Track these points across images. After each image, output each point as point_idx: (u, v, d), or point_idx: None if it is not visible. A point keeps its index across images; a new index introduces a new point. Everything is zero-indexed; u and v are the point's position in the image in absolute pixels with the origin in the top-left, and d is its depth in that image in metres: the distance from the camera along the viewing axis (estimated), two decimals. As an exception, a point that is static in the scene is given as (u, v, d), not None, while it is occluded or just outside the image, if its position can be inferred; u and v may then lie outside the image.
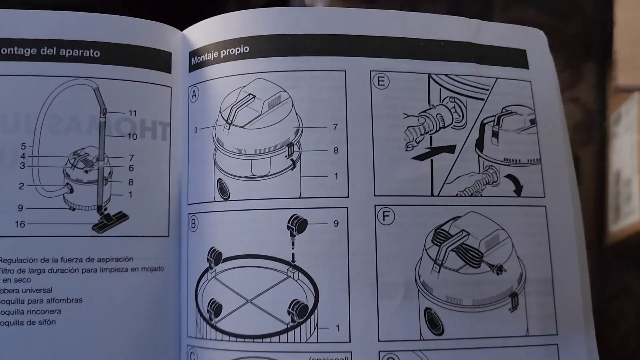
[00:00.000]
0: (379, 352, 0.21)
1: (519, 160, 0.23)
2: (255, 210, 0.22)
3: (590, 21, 0.59)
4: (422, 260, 0.22)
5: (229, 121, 0.23)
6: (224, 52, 0.23)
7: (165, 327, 0.23)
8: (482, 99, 0.24)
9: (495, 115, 0.24)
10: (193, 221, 0.23)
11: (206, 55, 0.24)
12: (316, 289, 0.21)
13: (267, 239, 0.22)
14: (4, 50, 0.22)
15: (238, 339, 0.21)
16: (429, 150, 0.23)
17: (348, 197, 0.22)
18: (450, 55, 0.24)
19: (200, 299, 0.22)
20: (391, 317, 0.21)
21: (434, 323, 0.21)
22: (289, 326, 0.21)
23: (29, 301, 0.21)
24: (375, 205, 0.22)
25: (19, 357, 0.21)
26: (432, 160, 0.23)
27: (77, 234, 0.22)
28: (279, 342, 0.21)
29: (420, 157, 0.23)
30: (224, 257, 0.22)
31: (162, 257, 0.23)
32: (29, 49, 0.22)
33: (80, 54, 0.23)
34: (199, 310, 0.22)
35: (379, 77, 0.23)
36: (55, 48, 0.23)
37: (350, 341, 0.21)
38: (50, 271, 0.21)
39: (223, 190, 0.22)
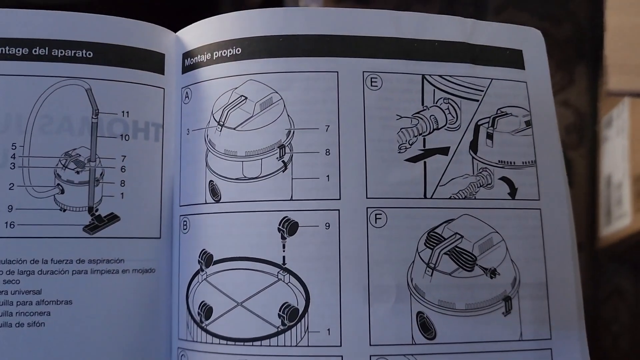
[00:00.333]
0: (371, 356, 0.20)
1: (514, 163, 0.23)
2: (246, 212, 0.21)
3: (581, 25, 0.58)
4: (414, 264, 0.21)
5: (221, 123, 0.22)
6: (216, 54, 0.23)
7: (156, 330, 0.22)
8: (477, 100, 0.23)
9: (490, 117, 0.23)
10: (185, 223, 0.22)
11: (199, 56, 0.23)
12: (307, 292, 0.21)
13: (258, 242, 0.21)
14: (-5, 51, 0.22)
15: (228, 342, 0.21)
16: (422, 152, 0.22)
17: (340, 199, 0.21)
18: (445, 55, 0.23)
19: (191, 301, 0.22)
20: (383, 321, 0.20)
21: (426, 327, 0.21)
22: (279, 330, 0.20)
23: (18, 303, 0.21)
24: (367, 208, 0.21)
25: (8, 359, 0.20)
26: (425, 162, 0.22)
27: (67, 235, 0.21)
28: (269, 345, 0.20)
29: (414, 159, 0.22)
30: (214, 259, 0.21)
31: (154, 258, 0.22)
32: (20, 49, 0.22)
33: (72, 54, 0.22)
34: (190, 313, 0.22)
35: (371, 78, 0.22)
36: (47, 48, 0.22)
37: (341, 345, 0.20)
38: (39, 272, 0.21)
39: (214, 192, 0.22)
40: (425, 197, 0.22)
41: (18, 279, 0.21)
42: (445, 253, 0.21)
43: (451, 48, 0.24)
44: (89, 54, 0.23)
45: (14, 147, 0.22)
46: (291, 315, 0.21)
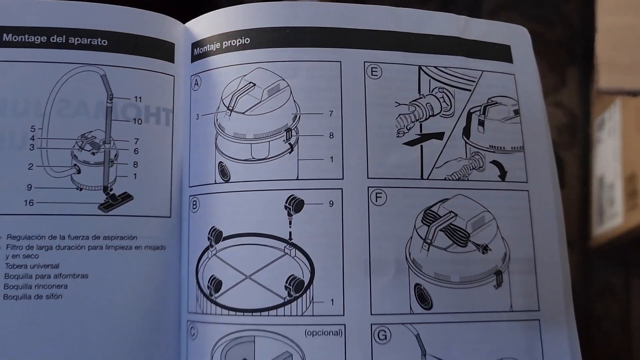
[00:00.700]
0: (372, 324, 0.23)
1: (503, 148, 0.26)
2: (255, 191, 0.24)
3: (574, 28, 0.62)
4: (412, 239, 0.24)
5: (230, 108, 0.25)
6: (225, 43, 0.26)
7: (166, 304, 0.24)
8: (469, 90, 0.26)
9: (481, 105, 0.26)
10: (194, 202, 0.25)
11: (208, 46, 0.26)
12: (312, 265, 0.23)
13: (265, 218, 0.24)
14: (15, 38, 0.24)
15: (237, 313, 0.23)
16: (419, 136, 0.25)
17: (343, 179, 0.24)
18: (440, 48, 0.26)
19: (200, 275, 0.24)
20: (383, 292, 0.23)
21: (423, 298, 0.23)
22: (285, 300, 0.23)
23: (37, 276, 0.23)
24: (368, 187, 0.24)
25: (27, 330, 0.23)
26: (422, 146, 0.25)
27: (83, 212, 0.24)
28: (276, 315, 0.23)
29: (411, 143, 0.25)
30: (224, 235, 0.24)
31: (164, 236, 0.25)
32: (39, 37, 0.24)
33: (88, 42, 0.25)
34: (200, 287, 0.24)
35: (372, 68, 0.25)
36: (64, 36, 0.25)
37: (344, 314, 0.23)
38: (57, 248, 0.23)
39: (224, 173, 0.25)
40: (422, 178, 0.25)
41: (37, 253, 0.23)
42: (440, 230, 0.24)
43: (445, 42, 0.27)
44: (104, 42, 0.25)
45: (33, 130, 0.24)
46: (297, 287, 0.23)
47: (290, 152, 0.24)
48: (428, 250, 0.24)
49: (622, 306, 0.52)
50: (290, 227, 0.24)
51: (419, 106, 0.25)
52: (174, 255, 0.25)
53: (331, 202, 0.24)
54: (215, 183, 0.25)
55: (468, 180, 0.25)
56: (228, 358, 0.23)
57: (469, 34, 0.27)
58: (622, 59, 0.52)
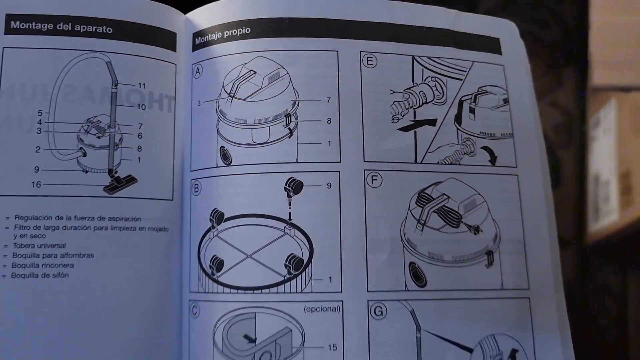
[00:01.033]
0: (368, 301, 0.25)
1: (494, 134, 0.28)
2: (256, 174, 0.26)
3: (569, 28, 0.66)
4: (407, 220, 0.26)
5: (232, 94, 0.27)
6: (227, 33, 0.28)
7: (169, 284, 0.26)
8: (460, 79, 0.29)
9: (472, 94, 0.29)
10: (196, 186, 0.27)
11: (210, 35, 0.28)
12: (311, 244, 0.26)
13: (266, 200, 0.26)
14: (23, 25, 0.26)
15: (238, 291, 0.25)
16: (412, 122, 0.28)
17: (340, 162, 0.26)
18: (432, 40, 0.29)
19: (202, 256, 0.26)
20: (379, 270, 0.25)
21: (417, 276, 0.26)
22: (285, 278, 0.25)
23: (44, 255, 0.25)
24: (364, 170, 0.26)
25: (34, 307, 0.24)
26: (415, 132, 0.27)
27: (89, 194, 0.26)
28: (277, 292, 0.25)
29: (405, 129, 0.27)
30: (225, 217, 0.26)
31: (167, 218, 0.27)
32: (46, 24, 0.27)
33: (93, 30, 0.27)
34: (201, 267, 0.26)
35: (367, 58, 0.28)
36: (70, 24, 0.27)
37: (341, 291, 0.25)
38: (64, 228, 0.25)
39: (225, 157, 0.27)
40: (415, 162, 0.27)
41: (44, 233, 0.25)
42: (434, 211, 0.27)
43: (437, 33, 0.29)
44: (109, 30, 0.27)
45: (40, 114, 0.26)
46: (296, 265, 0.26)
47: (289, 137, 0.27)
48: (422, 230, 0.26)
49: (619, 303, 0.54)
50: (289, 208, 0.26)
51: (412, 94, 0.28)
52: (176, 236, 0.27)
53: (329, 184, 0.26)
54: (217, 166, 0.27)
55: (460, 164, 0.27)
56: (230, 335, 0.25)
57: (459, 26, 0.30)
58: (615, 56, 0.56)
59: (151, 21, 0.28)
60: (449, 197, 0.27)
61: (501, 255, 0.26)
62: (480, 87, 0.29)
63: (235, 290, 0.25)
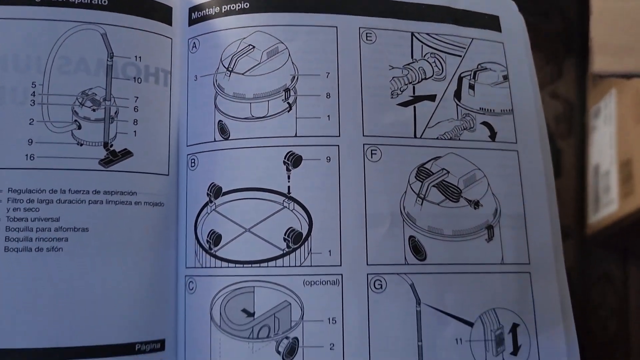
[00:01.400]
0: (367, 274, 0.26)
1: (493, 110, 0.29)
2: (254, 147, 0.27)
3: (570, 20, 0.68)
4: (406, 194, 0.27)
5: (230, 69, 0.28)
6: (225, 8, 0.29)
7: (165, 259, 0.27)
8: (460, 56, 0.30)
9: (471, 70, 0.30)
10: (193, 161, 0.28)
11: (207, 10, 0.29)
12: (310, 218, 0.27)
13: (264, 174, 0.27)
14: (16, -4, 0.27)
15: (237, 265, 0.26)
16: (412, 98, 0.29)
17: (339, 136, 0.27)
18: (431, 16, 0.30)
19: (199, 231, 0.27)
20: (378, 243, 0.26)
21: (417, 249, 0.27)
22: (284, 252, 0.26)
23: (37, 229, 0.26)
24: (364, 144, 0.27)
25: (28, 281, 0.25)
26: (414, 107, 0.29)
27: (84, 167, 0.26)
28: (275, 266, 0.26)
29: (404, 104, 0.29)
30: (223, 191, 0.27)
31: (162, 193, 0.28)
32: (40, -4, 0.27)
33: (88, 1, 0.28)
34: (198, 241, 0.27)
35: (367, 34, 0.29)
36: (65, -4, 0.28)
37: (341, 265, 0.26)
38: (58, 202, 0.26)
39: (223, 131, 0.28)
40: (415, 137, 0.28)
41: (38, 207, 0.26)
42: (433, 185, 0.28)
43: (436, 10, 0.31)
44: (104, 2, 0.28)
45: (33, 86, 0.27)
46: (295, 239, 0.27)
47: (288, 111, 0.28)
48: (422, 204, 0.27)
49: (619, 293, 0.56)
50: (288, 181, 0.27)
51: (412, 70, 0.29)
52: (171, 212, 0.28)
53: (328, 158, 0.27)
54: (215, 141, 0.28)
55: (459, 140, 0.29)
56: (228, 309, 0.26)
57: (459, 3, 0.31)
58: (616, 42, 0.58)
59: (147, -6, 0.29)
60: (448, 172, 0.28)
61: (501, 229, 0.28)
62: (479, 64, 0.30)
63: (233, 265, 0.26)
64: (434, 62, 0.29)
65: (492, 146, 0.29)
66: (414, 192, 0.27)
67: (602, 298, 0.56)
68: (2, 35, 0.27)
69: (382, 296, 0.26)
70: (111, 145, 0.27)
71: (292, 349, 0.25)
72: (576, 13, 0.71)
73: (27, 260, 0.25)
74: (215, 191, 0.27)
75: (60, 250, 0.26)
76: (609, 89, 0.65)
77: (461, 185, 0.28)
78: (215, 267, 0.26)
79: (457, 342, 0.26)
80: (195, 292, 0.27)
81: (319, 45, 0.28)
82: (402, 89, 0.28)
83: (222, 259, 0.26)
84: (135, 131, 0.27)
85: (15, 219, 0.25)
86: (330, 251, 0.26)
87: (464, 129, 0.29)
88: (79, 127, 0.27)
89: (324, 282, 0.26)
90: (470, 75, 0.29)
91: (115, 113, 0.27)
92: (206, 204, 0.27)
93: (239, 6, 0.28)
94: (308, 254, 0.26)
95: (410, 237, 0.27)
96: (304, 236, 0.26)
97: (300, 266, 0.26)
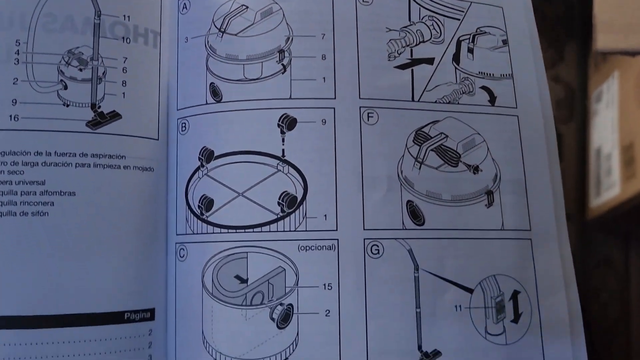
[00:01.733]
0: (364, 239, 0.26)
1: (493, 75, 0.30)
2: (248, 110, 0.27)
3: (571, 2, 0.68)
4: (404, 158, 0.27)
5: (222, 30, 0.28)
6: (215, -34, 0.29)
7: (154, 226, 0.27)
8: (458, 19, 0.30)
9: (470, 34, 0.30)
10: (183, 125, 0.28)
11: (197, -31, 0.29)
12: (305, 181, 0.27)
13: (258, 137, 0.27)
14: (-1, -47, 0.27)
15: (229, 230, 0.26)
16: (409, 61, 0.29)
17: (335, 98, 0.28)
18: (429, -22, 0.30)
19: (190, 196, 0.27)
20: (375, 208, 0.27)
21: (415, 214, 0.27)
22: (278, 216, 0.26)
23: (22, 193, 0.25)
24: (360, 107, 0.28)
25: (12, 246, 0.25)
26: (412, 70, 0.29)
27: (70, 129, 0.26)
28: (269, 231, 0.26)
29: (402, 67, 0.29)
30: (215, 154, 0.27)
31: (152, 158, 0.27)
32: (24, -47, 0.27)
33: (75, -41, 0.28)
34: (189, 207, 0.27)
35: (363, -5, 0.29)
36: (50, -47, 0.28)
37: (337, 229, 0.26)
38: (43, 164, 0.26)
39: (215, 93, 0.28)
40: (413, 100, 0.28)
41: (22, 169, 0.26)
42: (431, 150, 0.28)
43: (434, -27, 0.31)
44: (92, -40, 0.28)
45: (17, 44, 0.27)
46: (290, 203, 0.27)
47: (283, 73, 0.28)
48: (420, 168, 0.27)
49: (620, 278, 0.56)
50: (283, 144, 0.27)
51: (409, 32, 0.29)
52: (161, 178, 0.28)
53: (324, 121, 0.27)
54: (207, 104, 0.28)
55: (458, 104, 0.29)
56: (220, 276, 0.26)
57: (458, -33, 0.31)
58: (620, 19, 0.58)
59: (135, -47, 0.29)
60: (447, 136, 0.28)
61: (501, 195, 0.28)
62: (478, 28, 0.30)
63: (225, 230, 0.26)
64: (432, 25, 0.29)
65: (492, 111, 0.29)
66: (412, 156, 0.27)
67: (603, 282, 0.56)
68: (-16, -8, 0.26)
69: (379, 261, 0.26)
70: (99, 107, 0.27)
71: (287, 315, 0.25)
72: (578, -5, 0.71)
73: (11, 224, 0.25)
74: (207, 155, 0.27)
75: (46, 215, 0.25)
76: (611, 72, 0.66)
77: (460, 150, 0.28)
78: (207, 233, 0.26)
79: (457, 309, 0.26)
80: (186, 259, 0.27)
81: (314, 6, 0.28)
82: (399, 52, 0.28)
83: (214, 225, 0.26)
84: (123, 93, 0.27)
85: (-1, 182, 0.25)
86: (325, 215, 0.26)
87: (463, 93, 0.29)
88: (65, 88, 0.26)
89: (319, 247, 0.26)
90: (469, 39, 0.30)
91: (103, 74, 0.27)
92: (197, 169, 0.27)
93: (231, -34, 0.28)
94: (303, 218, 0.26)
95: (408, 201, 0.27)
96: (298, 200, 0.26)
97: (295, 231, 0.26)
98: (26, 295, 0.25)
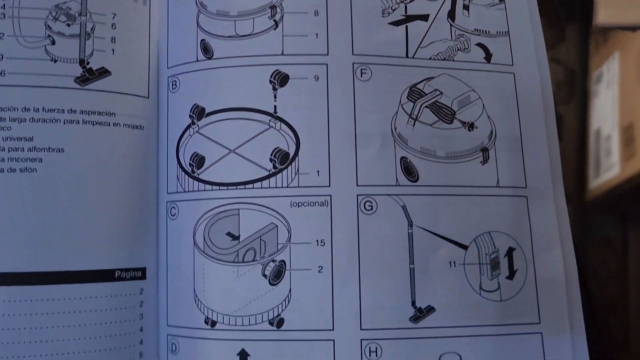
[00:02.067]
0: (357, 195, 0.26)
1: (488, 32, 0.30)
2: (239, 66, 0.27)
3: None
4: (397, 114, 0.28)
5: (211, -15, 0.28)
6: None
7: (145, 185, 0.27)
8: (454, -24, 0.30)
9: (466, -9, 0.30)
10: (174, 82, 0.28)
11: None
12: (297, 137, 0.27)
13: (250, 93, 0.27)
14: None
15: (221, 188, 0.26)
16: (404, 17, 0.29)
17: (327, 55, 0.28)
18: None
19: (181, 154, 0.27)
20: (369, 164, 0.27)
21: (409, 170, 0.27)
22: (270, 172, 0.26)
23: (10, 149, 0.26)
24: (353, 63, 0.28)
25: (0, 202, 0.25)
26: (407, 26, 0.29)
27: (58, 85, 0.26)
28: (261, 187, 0.26)
29: (396, 23, 0.29)
30: (207, 112, 0.27)
31: (142, 116, 0.28)
32: None
33: None
34: (181, 165, 0.27)
35: (356, -49, 0.29)
36: None
37: (329, 185, 0.26)
38: (31, 120, 0.26)
39: (206, 50, 0.28)
40: (407, 57, 0.29)
41: (9, 125, 0.26)
42: (426, 106, 0.28)
43: None
44: None
45: (4, -1, 0.27)
46: (282, 159, 0.27)
47: (275, 29, 0.28)
48: (414, 125, 0.28)
49: (619, 257, 0.57)
50: (275, 101, 0.27)
51: (403, -11, 0.29)
52: (152, 136, 0.28)
53: (316, 77, 0.27)
54: (197, 61, 0.28)
55: (453, 60, 0.29)
56: (211, 233, 0.26)
57: None
58: (621, -7, 0.57)
59: None
60: (442, 93, 0.28)
61: (497, 152, 0.28)
62: (474, -15, 0.30)
63: (217, 187, 0.26)
64: (427, -18, 0.29)
65: (488, 68, 0.29)
66: (406, 112, 0.27)
67: (602, 262, 0.57)
68: (-31, -54, 0.26)
69: (372, 217, 0.26)
70: (87, 63, 0.27)
71: (279, 272, 0.26)
72: (579, -25, 0.71)
73: (-1, 180, 0.25)
74: (198, 112, 0.27)
75: (34, 171, 0.26)
76: (611, 54, 0.66)
77: (455, 107, 0.28)
78: (198, 190, 0.27)
79: (451, 265, 0.26)
80: (178, 217, 0.27)
81: (306, -38, 0.28)
82: (393, 8, 0.29)
83: (205, 182, 0.27)
84: (113, 49, 0.27)
85: (-14, 138, 0.25)
86: (318, 172, 0.26)
87: (458, 49, 0.29)
88: (53, 43, 0.27)
89: (312, 204, 0.26)
90: (464, -4, 0.30)
91: (91, 29, 0.27)
92: (188, 127, 0.27)
93: None
94: (295, 174, 0.26)
95: (402, 158, 0.27)
96: (291, 156, 0.26)
97: (287, 187, 0.26)
98: (15, 252, 0.25)
